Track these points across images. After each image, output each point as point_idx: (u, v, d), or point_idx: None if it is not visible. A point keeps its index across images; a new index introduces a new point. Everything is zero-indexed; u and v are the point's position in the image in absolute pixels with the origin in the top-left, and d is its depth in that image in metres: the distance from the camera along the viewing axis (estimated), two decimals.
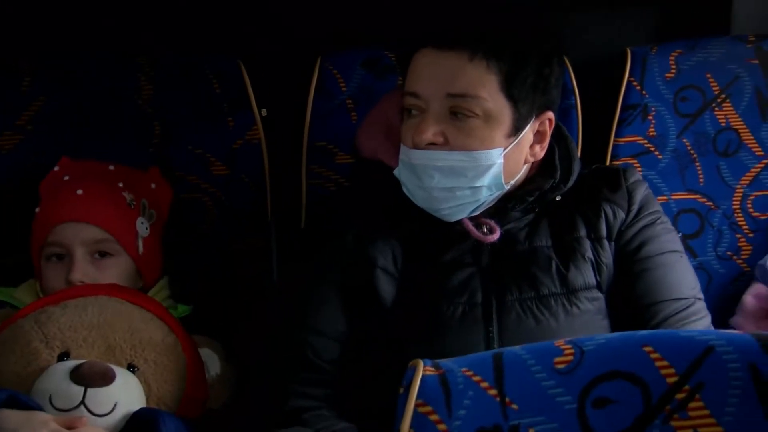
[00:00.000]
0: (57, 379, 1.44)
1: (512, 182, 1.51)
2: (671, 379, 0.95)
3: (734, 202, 1.95)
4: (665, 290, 1.49)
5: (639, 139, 1.92)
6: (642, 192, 1.57)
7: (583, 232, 1.52)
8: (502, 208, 1.52)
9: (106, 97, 1.85)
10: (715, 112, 1.93)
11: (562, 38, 1.94)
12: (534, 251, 1.50)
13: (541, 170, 1.55)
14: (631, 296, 1.50)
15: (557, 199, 1.54)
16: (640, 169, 1.91)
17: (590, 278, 1.49)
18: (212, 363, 1.62)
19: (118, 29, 1.91)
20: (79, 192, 1.65)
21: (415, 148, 1.45)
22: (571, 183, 1.54)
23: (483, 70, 1.43)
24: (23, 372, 1.48)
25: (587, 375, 0.94)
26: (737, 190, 1.95)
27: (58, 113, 1.83)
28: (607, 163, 1.91)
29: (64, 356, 1.49)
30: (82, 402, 1.42)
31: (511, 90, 1.44)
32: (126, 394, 1.46)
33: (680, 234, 1.82)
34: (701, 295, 1.53)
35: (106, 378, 1.44)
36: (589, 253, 1.50)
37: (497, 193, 1.49)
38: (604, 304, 1.50)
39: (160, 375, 1.53)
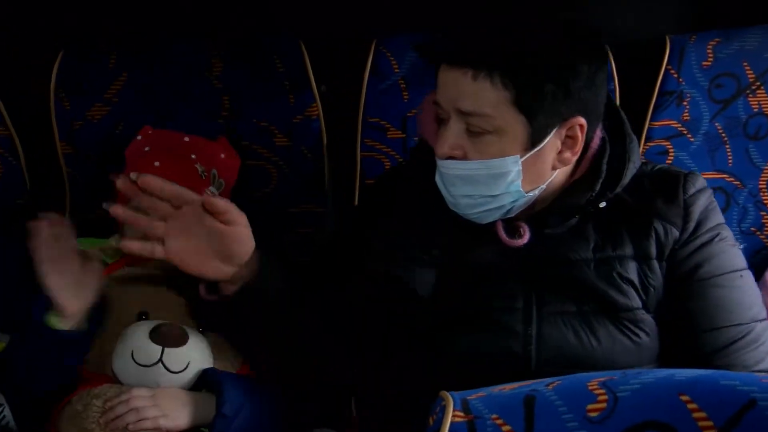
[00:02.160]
0: (139, 337, 1.35)
1: (539, 188, 1.19)
2: None
3: (761, 182, 1.69)
4: (722, 316, 1.18)
5: (673, 123, 1.66)
6: (701, 205, 1.22)
7: (629, 251, 1.20)
8: (540, 212, 1.22)
9: (181, 73, 1.68)
10: (749, 99, 1.65)
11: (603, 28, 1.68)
12: (573, 264, 1.20)
13: (589, 173, 1.22)
14: (685, 321, 1.19)
15: (601, 206, 1.21)
16: (672, 150, 1.67)
17: (633, 301, 1.19)
18: None
19: (192, 13, 1.73)
20: (156, 164, 1.52)
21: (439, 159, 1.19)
22: (619, 189, 1.21)
23: (488, 88, 1.12)
24: (109, 327, 1.39)
25: (620, 425, 0.73)
26: (765, 171, 1.68)
27: (139, 87, 1.68)
28: (642, 144, 1.66)
29: (143, 315, 1.40)
30: (160, 359, 1.34)
31: (523, 104, 1.12)
32: (198, 353, 1.37)
33: None
34: (763, 315, 1.20)
35: (180, 340, 1.35)
36: (632, 275, 1.19)
37: (523, 200, 1.19)
38: (651, 325, 1.20)
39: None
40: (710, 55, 1.63)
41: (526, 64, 1.12)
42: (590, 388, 0.76)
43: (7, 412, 1.34)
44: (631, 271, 1.19)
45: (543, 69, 1.13)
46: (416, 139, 1.62)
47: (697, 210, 1.22)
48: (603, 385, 0.76)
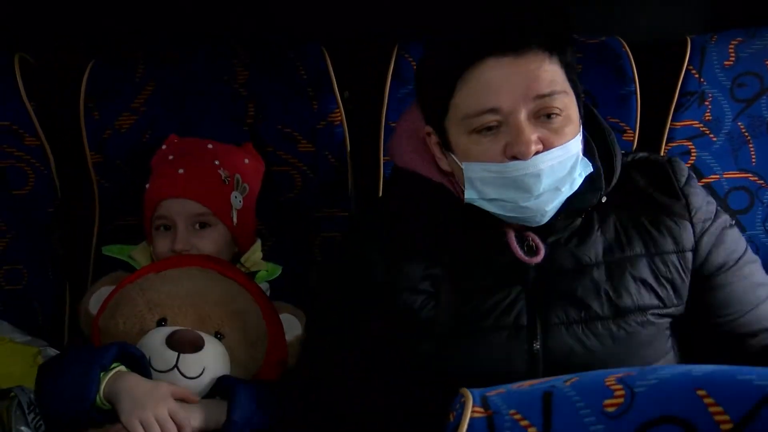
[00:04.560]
0: (155, 343, 1.38)
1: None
2: (726, 426, 0.74)
3: None
4: (755, 294, 1.22)
5: (695, 123, 1.67)
6: (698, 193, 1.24)
7: (639, 250, 1.20)
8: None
9: (206, 82, 1.72)
10: None
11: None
12: (581, 271, 1.19)
13: None
14: (716, 308, 1.21)
15: (603, 201, 1.21)
16: (694, 150, 1.68)
17: (642, 300, 1.18)
18: (291, 327, 1.51)
19: (215, 20, 1.76)
20: (181, 171, 1.56)
21: (519, 159, 1.12)
22: (614, 181, 1.21)
23: (557, 65, 1.15)
24: (130, 332, 1.43)
25: (637, 419, 0.74)
26: None
27: (166, 96, 1.71)
28: (663, 145, 1.66)
29: (162, 322, 1.43)
30: (176, 365, 1.36)
31: (570, 79, 1.15)
32: (213, 359, 1.39)
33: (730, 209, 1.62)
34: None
35: (195, 346, 1.37)
36: (644, 274, 1.19)
37: (582, 179, 1.17)
38: (662, 324, 1.20)
39: (242, 342, 1.44)
40: (732, 54, 1.63)
41: (567, 40, 1.16)
42: (607, 383, 0.78)
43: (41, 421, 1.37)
44: (642, 269, 1.19)
45: (570, 44, 1.16)
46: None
47: (695, 199, 1.23)
48: (620, 381, 0.78)
